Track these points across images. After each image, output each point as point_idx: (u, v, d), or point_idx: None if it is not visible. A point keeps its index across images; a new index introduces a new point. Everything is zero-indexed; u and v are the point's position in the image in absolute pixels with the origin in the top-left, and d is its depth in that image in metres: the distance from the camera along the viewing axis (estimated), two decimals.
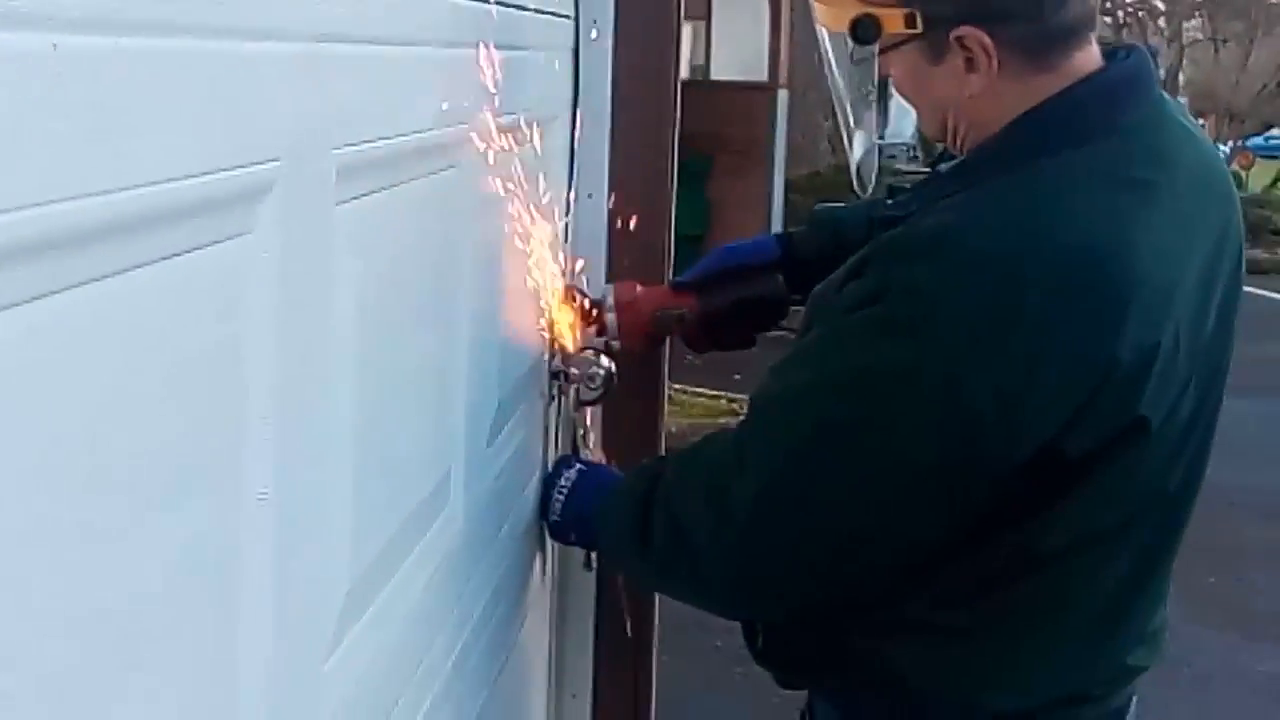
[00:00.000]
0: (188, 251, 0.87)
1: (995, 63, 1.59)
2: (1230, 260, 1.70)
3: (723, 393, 7.39)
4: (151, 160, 0.80)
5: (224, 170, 0.90)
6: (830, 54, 1.79)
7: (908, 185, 1.88)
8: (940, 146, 1.82)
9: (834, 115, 1.89)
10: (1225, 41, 20.81)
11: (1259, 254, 14.54)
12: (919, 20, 1.61)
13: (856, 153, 1.86)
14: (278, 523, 1.04)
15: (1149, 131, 1.64)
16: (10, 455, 0.69)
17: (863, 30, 1.64)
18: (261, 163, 0.97)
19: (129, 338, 0.81)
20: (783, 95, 12.01)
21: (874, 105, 1.79)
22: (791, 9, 11.49)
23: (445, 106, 1.48)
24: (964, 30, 1.58)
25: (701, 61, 12.61)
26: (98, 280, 0.76)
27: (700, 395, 7.34)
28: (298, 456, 1.07)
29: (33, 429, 0.71)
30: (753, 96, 11.81)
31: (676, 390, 6.62)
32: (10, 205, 0.67)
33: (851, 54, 1.71)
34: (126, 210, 0.78)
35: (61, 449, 0.74)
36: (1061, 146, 1.58)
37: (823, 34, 1.78)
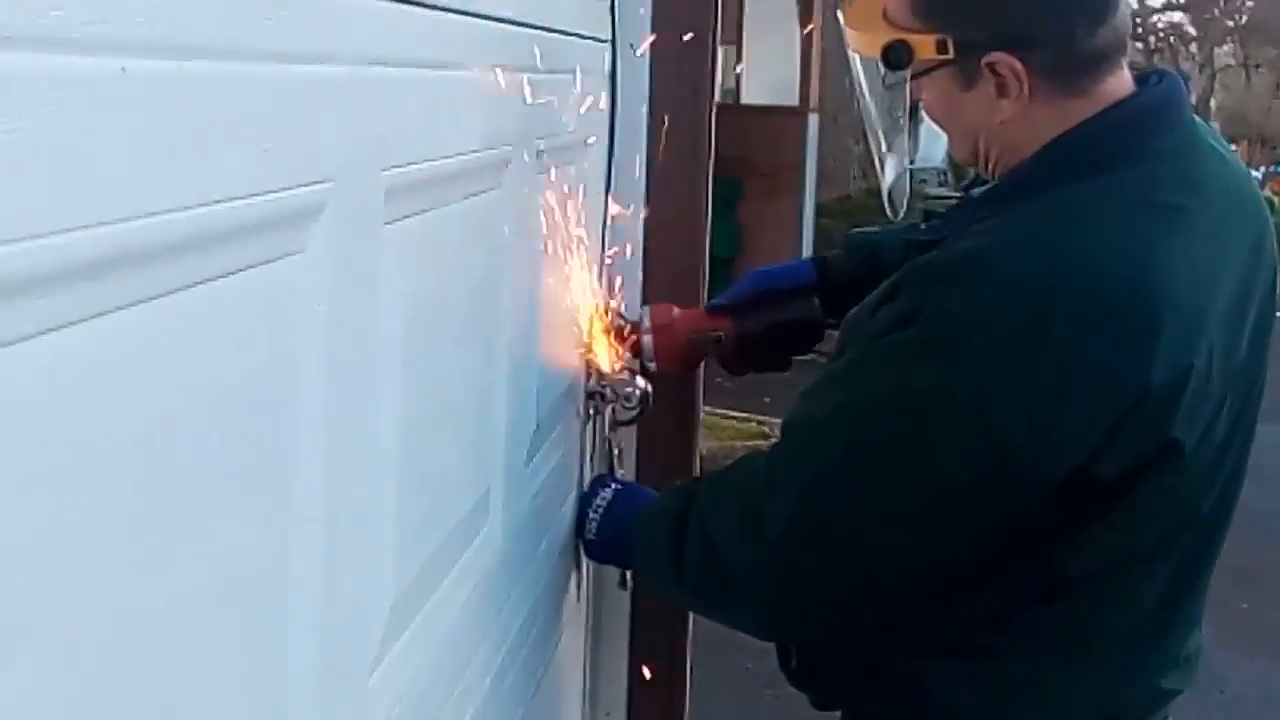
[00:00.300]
0: (245, 269, 0.89)
1: (1027, 88, 1.60)
2: (1264, 281, 1.70)
3: (753, 416, 7.39)
4: (212, 180, 0.82)
5: (280, 190, 0.92)
6: (862, 79, 1.80)
7: (943, 210, 1.89)
8: (971, 172, 1.82)
9: (864, 139, 1.90)
10: (1257, 67, 20.72)
11: None
12: (951, 46, 1.62)
13: (888, 177, 1.87)
14: (327, 538, 1.05)
15: (1181, 156, 1.64)
16: (73, 466, 0.71)
17: (895, 56, 1.65)
18: (314, 183, 0.98)
19: (190, 353, 0.83)
20: (813, 119, 12.01)
21: (905, 129, 1.80)
22: (823, 34, 11.50)
23: (488, 129, 1.50)
24: (996, 56, 1.59)
25: (732, 85, 12.63)
26: (161, 297, 0.78)
27: (731, 418, 7.34)
28: (346, 472, 1.08)
29: (97, 441, 0.73)
30: (784, 120, 11.81)
31: (708, 413, 6.60)
32: (82, 223, 0.68)
33: (884, 79, 1.71)
34: (189, 229, 0.79)
35: (121, 460, 0.76)
36: (1093, 171, 1.59)
37: (854, 59, 1.79)
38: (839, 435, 1.61)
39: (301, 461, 1.01)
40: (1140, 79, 1.68)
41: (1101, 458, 1.52)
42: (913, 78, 1.67)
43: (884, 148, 1.83)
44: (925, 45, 1.63)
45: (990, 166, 1.69)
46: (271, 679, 1.00)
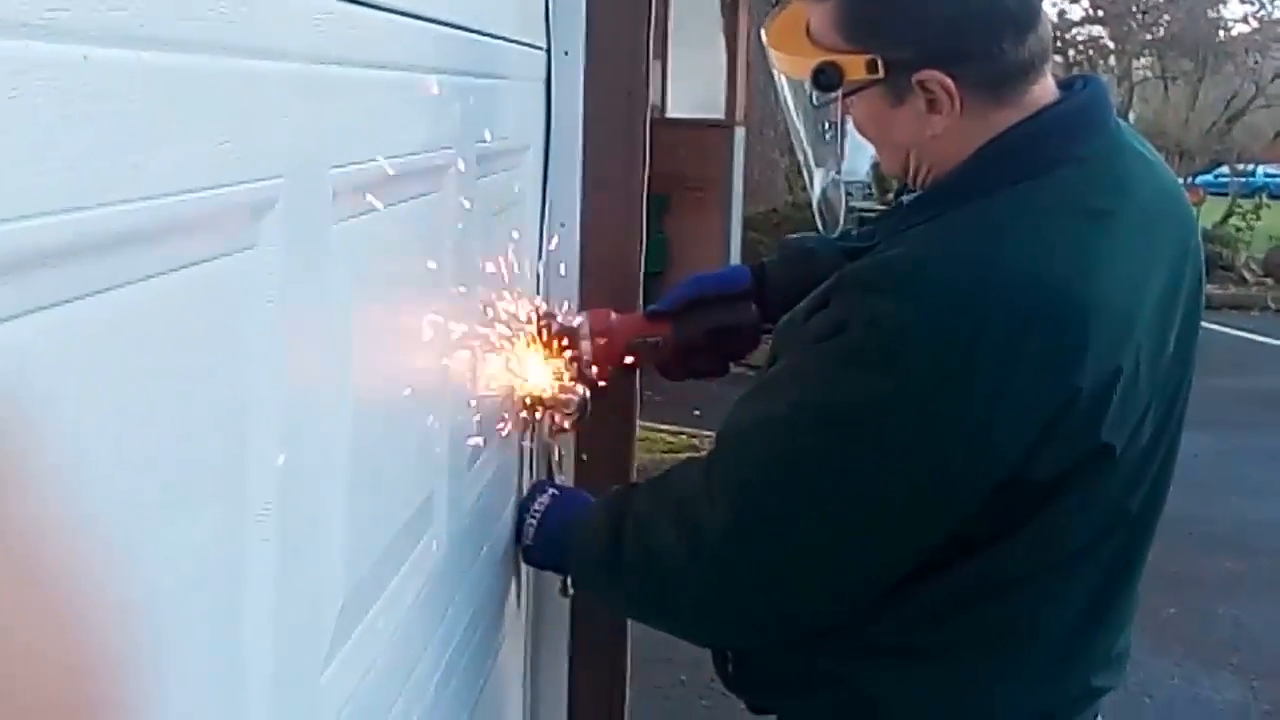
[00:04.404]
0: (200, 262, 0.89)
1: (957, 102, 1.60)
2: (1190, 284, 1.72)
3: (684, 429, 7.41)
4: (171, 172, 0.82)
5: (234, 184, 0.92)
6: (789, 98, 1.79)
7: (876, 216, 1.90)
8: (895, 183, 1.83)
9: (790, 153, 1.90)
10: (1175, 79, 20.90)
11: (1210, 289, 14.44)
12: (880, 66, 1.61)
13: (817, 190, 1.87)
14: (280, 536, 1.05)
15: (1107, 160, 1.65)
16: (21, 461, 0.70)
17: (825, 78, 1.64)
18: (267, 179, 0.98)
19: (144, 346, 0.83)
20: (739, 132, 12.02)
21: (834, 145, 1.79)
22: (748, 47, 11.53)
23: (430, 131, 1.50)
24: (925, 73, 1.59)
25: (658, 99, 12.63)
26: (118, 288, 0.78)
27: (661, 431, 7.35)
28: (298, 471, 1.08)
29: (47, 435, 0.72)
30: (710, 134, 11.81)
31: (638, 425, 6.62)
32: (40, 210, 0.68)
33: (812, 99, 1.70)
34: (147, 220, 0.79)
35: (72, 456, 0.75)
36: (1021, 178, 1.60)
37: (780, 78, 1.79)
38: (773, 443, 1.61)
39: (254, 457, 1.01)
40: (1065, 84, 1.69)
41: (1034, 461, 1.53)
42: (842, 97, 1.66)
43: (812, 162, 1.83)
44: (854, 66, 1.62)
45: (922, 179, 1.69)
46: (227, 677, 1.00)
